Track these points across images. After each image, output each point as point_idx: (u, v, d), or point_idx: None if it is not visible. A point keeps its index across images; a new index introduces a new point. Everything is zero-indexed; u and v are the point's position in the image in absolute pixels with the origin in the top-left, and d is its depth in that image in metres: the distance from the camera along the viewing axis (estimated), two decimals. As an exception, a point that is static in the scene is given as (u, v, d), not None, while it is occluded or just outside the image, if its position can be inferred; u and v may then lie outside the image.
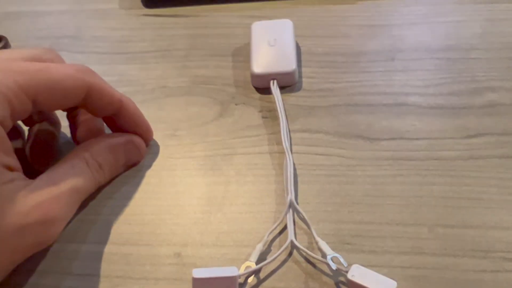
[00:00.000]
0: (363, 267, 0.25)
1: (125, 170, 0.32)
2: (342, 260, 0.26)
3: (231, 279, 0.25)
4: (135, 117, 0.31)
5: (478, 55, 0.36)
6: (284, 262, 0.27)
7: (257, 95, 0.35)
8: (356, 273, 0.25)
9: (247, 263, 0.26)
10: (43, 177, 0.27)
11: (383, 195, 0.29)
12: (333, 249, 0.27)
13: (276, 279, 0.27)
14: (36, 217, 0.25)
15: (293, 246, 0.27)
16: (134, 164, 0.32)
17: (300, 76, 0.36)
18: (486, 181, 0.29)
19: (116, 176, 0.32)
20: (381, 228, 0.28)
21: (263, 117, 0.34)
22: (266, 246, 0.28)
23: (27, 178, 0.26)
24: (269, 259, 0.27)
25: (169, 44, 0.40)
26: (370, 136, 0.32)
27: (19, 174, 0.26)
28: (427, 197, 0.29)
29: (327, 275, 0.26)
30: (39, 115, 0.32)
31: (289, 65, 0.35)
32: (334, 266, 0.25)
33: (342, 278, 0.26)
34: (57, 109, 0.29)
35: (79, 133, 0.32)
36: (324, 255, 0.26)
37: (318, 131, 0.33)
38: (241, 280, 0.26)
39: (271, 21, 0.38)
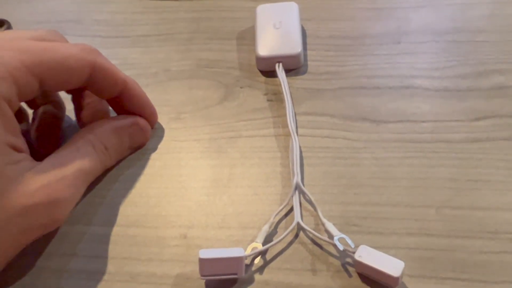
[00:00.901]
0: (370, 248, 0.25)
1: (130, 153, 0.32)
2: (349, 241, 0.26)
3: (237, 260, 0.25)
4: (139, 99, 0.31)
5: (485, 38, 0.35)
6: (290, 243, 0.27)
7: (262, 78, 0.35)
8: (363, 253, 0.25)
9: (254, 244, 0.26)
10: (49, 159, 0.27)
11: (390, 177, 0.29)
12: (340, 230, 0.26)
13: (283, 261, 0.26)
14: (42, 198, 0.25)
15: (299, 227, 0.27)
16: (139, 147, 0.32)
17: (306, 59, 0.36)
18: (493, 163, 0.29)
19: (122, 159, 0.31)
20: (387, 210, 0.28)
21: (268, 100, 0.34)
22: (272, 227, 0.28)
23: (34, 160, 0.26)
24: (275, 240, 0.27)
25: (172, 27, 0.40)
26: (376, 119, 0.32)
27: (26, 156, 0.26)
28: (434, 179, 0.29)
29: (333, 256, 0.26)
30: (43, 97, 0.32)
31: (295, 47, 0.34)
32: (341, 247, 0.25)
33: (349, 259, 0.26)
34: (62, 89, 0.29)
35: (83, 116, 0.31)
36: (331, 236, 0.26)
37: (324, 114, 0.33)
38: (247, 261, 0.26)
39: (276, 4, 0.37)
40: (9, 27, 0.41)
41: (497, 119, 0.31)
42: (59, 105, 0.33)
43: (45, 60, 0.25)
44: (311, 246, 0.27)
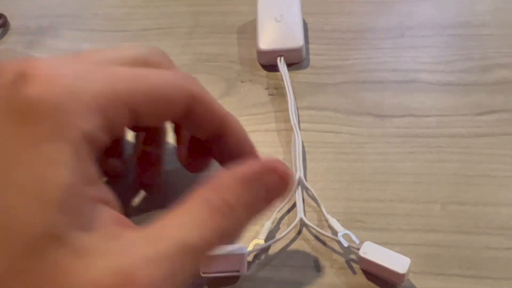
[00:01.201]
0: (375, 244, 0.25)
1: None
2: (353, 237, 0.25)
3: (240, 257, 0.25)
4: (240, 138, 0.25)
5: (490, 32, 0.35)
6: (293, 240, 0.27)
7: (264, 72, 0.35)
8: (368, 250, 0.24)
9: (256, 241, 0.26)
10: (141, 229, 0.19)
11: (394, 173, 0.29)
12: (344, 226, 0.26)
13: (286, 257, 0.26)
14: (118, 283, 0.17)
15: (302, 223, 0.27)
16: (278, 199, 0.22)
17: (308, 53, 0.35)
18: (499, 158, 0.29)
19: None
20: (392, 205, 0.27)
21: (269, 95, 0.33)
22: (275, 224, 0.27)
23: (121, 221, 0.19)
24: (278, 236, 0.26)
25: (171, 21, 0.39)
26: (380, 113, 0.31)
27: (109, 217, 0.19)
28: (438, 174, 0.28)
29: (337, 252, 0.26)
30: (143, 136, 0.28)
31: (297, 41, 0.34)
32: (346, 244, 0.25)
33: (353, 256, 0.26)
34: (157, 122, 0.23)
35: (181, 151, 0.27)
36: (334, 233, 0.26)
37: (326, 109, 0.32)
38: (249, 258, 0.26)
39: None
40: (5, 21, 0.40)
41: (502, 114, 0.31)
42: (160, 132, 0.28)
43: (139, 87, 0.20)
44: (315, 242, 0.26)
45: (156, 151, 0.28)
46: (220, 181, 0.20)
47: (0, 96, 0.18)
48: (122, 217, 0.19)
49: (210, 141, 0.25)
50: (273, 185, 0.22)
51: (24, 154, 0.17)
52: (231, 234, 0.20)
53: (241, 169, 0.21)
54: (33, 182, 0.17)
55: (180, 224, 0.19)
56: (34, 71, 0.19)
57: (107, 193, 0.19)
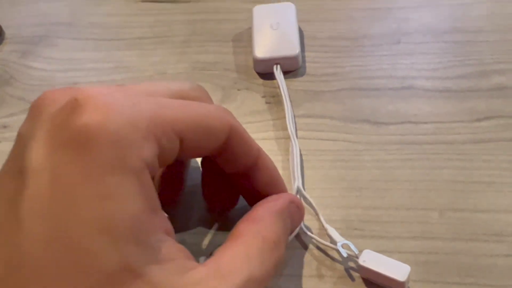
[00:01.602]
0: (374, 252, 0.24)
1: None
2: (352, 247, 0.25)
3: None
4: (272, 175, 0.25)
5: (486, 38, 0.35)
6: (292, 249, 0.26)
7: (260, 80, 0.35)
8: (367, 258, 0.24)
9: (255, 250, 0.26)
10: (208, 264, 0.19)
11: (392, 180, 0.29)
12: (342, 235, 0.26)
13: (285, 266, 0.26)
14: None
15: (301, 232, 0.27)
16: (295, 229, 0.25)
17: (304, 61, 0.35)
18: (496, 164, 0.29)
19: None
20: (390, 213, 0.27)
21: (266, 103, 0.33)
22: (273, 233, 0.27)
23: (187, 255, 0.19)
24: (276, 246, 0.26)
25: (167, 30, 0.39)
26: (377, 120, 0.31)
27: (177, 249, 0.19)
28: (436, 181, 0.28)
29: (336, 261, 0.26)
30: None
31: (293, 49, 0.34)
32: (345, 254, 0.25)
33: (352, 264, 0.25)
34: (200, 152, 0.23)
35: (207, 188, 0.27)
36: (333, 242, 0.26)
37: (323, 116, 0.32)
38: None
39: (273, 4, 0.37)
40: (0, 30, 0.40)
41: (499, 120, 0.31)
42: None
43: (187, 116, 0.20)
44: (314, 251, 0.26)
45: (179, 169, 0.27)
46: (264, 216, 0.22)
47: (54, 125, 0.18)
48: (184, 248, 0.20)
49: (240, 177, 0.24)
50: (295, 215, 0.24)
51: (89, 186, 0.17)
52: (282, 264, 0.22)
53: (277, 204, 0.23)
54: (102, 216, 0.17)
55: (244, 258, 0.20)
56: (87, 99, 0.18)
57: (167, 221, 0.20)
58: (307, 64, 0.35)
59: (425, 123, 0.31)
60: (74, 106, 0.18)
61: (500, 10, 0.37)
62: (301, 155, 0.30)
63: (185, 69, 0.36)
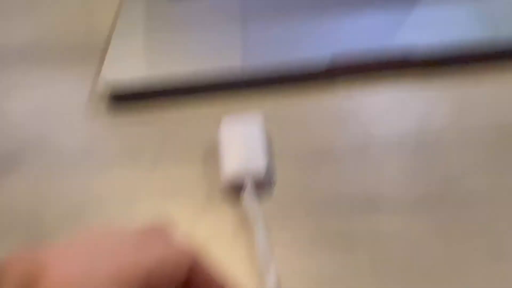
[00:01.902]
0: None
1: None
2: None
3: None
4: None
5: (451, 146, 0.35)
6: None
7: (229, 202, 0.34)
8: None
9: None
10: None
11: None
12: None
13: None
14: None
15: None
16: None
17: (274, 177, 0.35)
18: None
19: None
20: None
21: (236, 225, 0.33)
22: None
23: None
24: None
25: (136, 149, 0.39)
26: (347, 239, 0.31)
27: None
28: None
29: None
30: None
31: (261, 168, 0.34)
32: None
33: None
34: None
35: None
36: None
37: (297, 236, 0.31)
38: None
39: (241, 117, 0.37)
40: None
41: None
42: None
43: (144, 268, 0.21)
44: None
45: None
46: None
47: None
48: None
49: None
50: None
51: None
52: None
53: None
54: None
55: None
56: (44, 273, 0.19)
57: None
58: (277, 181, 0.35)
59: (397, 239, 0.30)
60: (29, 284, 0.19)
61: (463, 118, 0.37)
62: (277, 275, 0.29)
63: (155, 192, 0.35)
